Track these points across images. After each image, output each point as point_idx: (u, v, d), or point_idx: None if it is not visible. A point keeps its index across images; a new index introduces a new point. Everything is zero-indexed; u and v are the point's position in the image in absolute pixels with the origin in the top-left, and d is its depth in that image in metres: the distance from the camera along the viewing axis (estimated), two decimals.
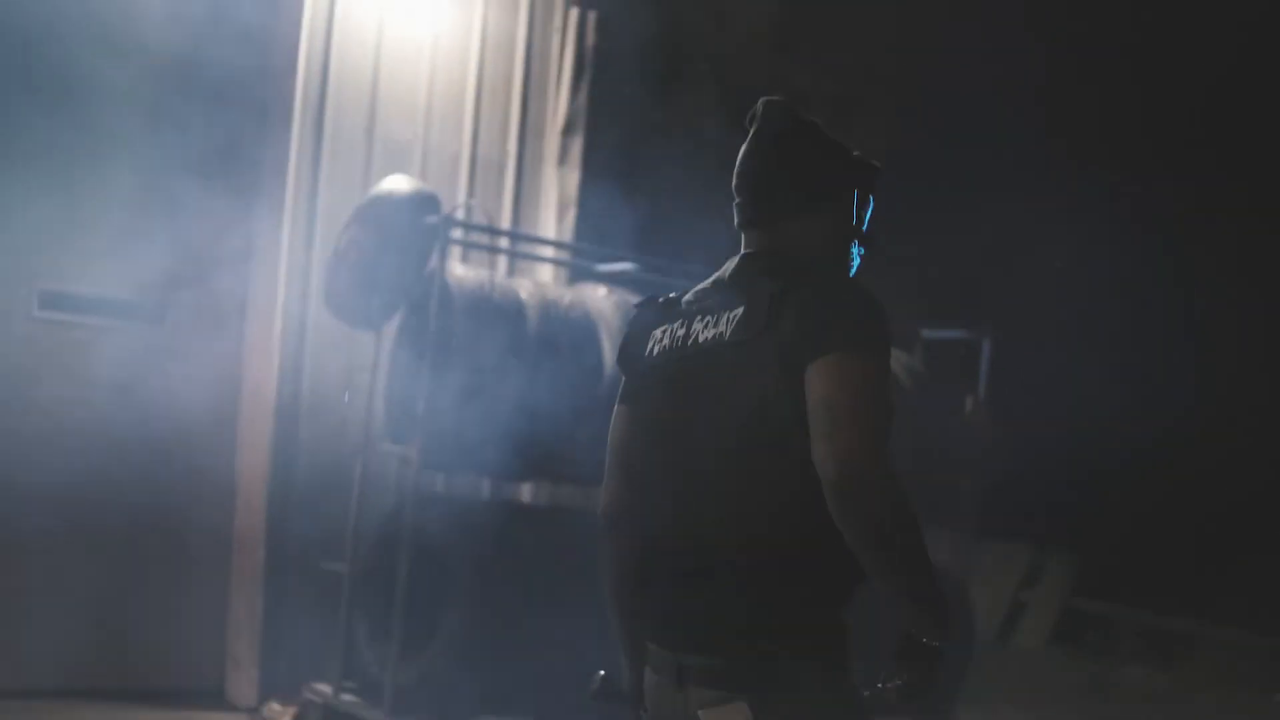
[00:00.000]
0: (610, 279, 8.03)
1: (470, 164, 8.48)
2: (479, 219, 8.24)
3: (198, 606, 8.11)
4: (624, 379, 3.21)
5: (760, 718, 2.83)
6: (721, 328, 2.94)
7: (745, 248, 3.09)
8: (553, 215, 8.62)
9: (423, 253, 7.30)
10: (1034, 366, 11.11)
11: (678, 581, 2.99)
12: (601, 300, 7.71)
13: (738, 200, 3.11)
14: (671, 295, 3.15)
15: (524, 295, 7.54)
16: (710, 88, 9.57)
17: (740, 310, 2.91)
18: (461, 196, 8.33)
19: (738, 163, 3.12)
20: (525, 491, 8.38)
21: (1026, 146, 11.66)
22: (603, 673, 3.26)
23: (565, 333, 7.48)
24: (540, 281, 8.13)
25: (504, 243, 8.44)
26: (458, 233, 7.81)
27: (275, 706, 7.74)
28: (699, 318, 3.01)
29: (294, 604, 7.89)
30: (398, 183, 7.46)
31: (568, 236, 8.61)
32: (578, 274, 8.40)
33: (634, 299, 7.71)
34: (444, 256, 7.28)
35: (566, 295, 7.76)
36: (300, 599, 7.86)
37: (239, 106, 8.18)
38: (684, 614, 2.96)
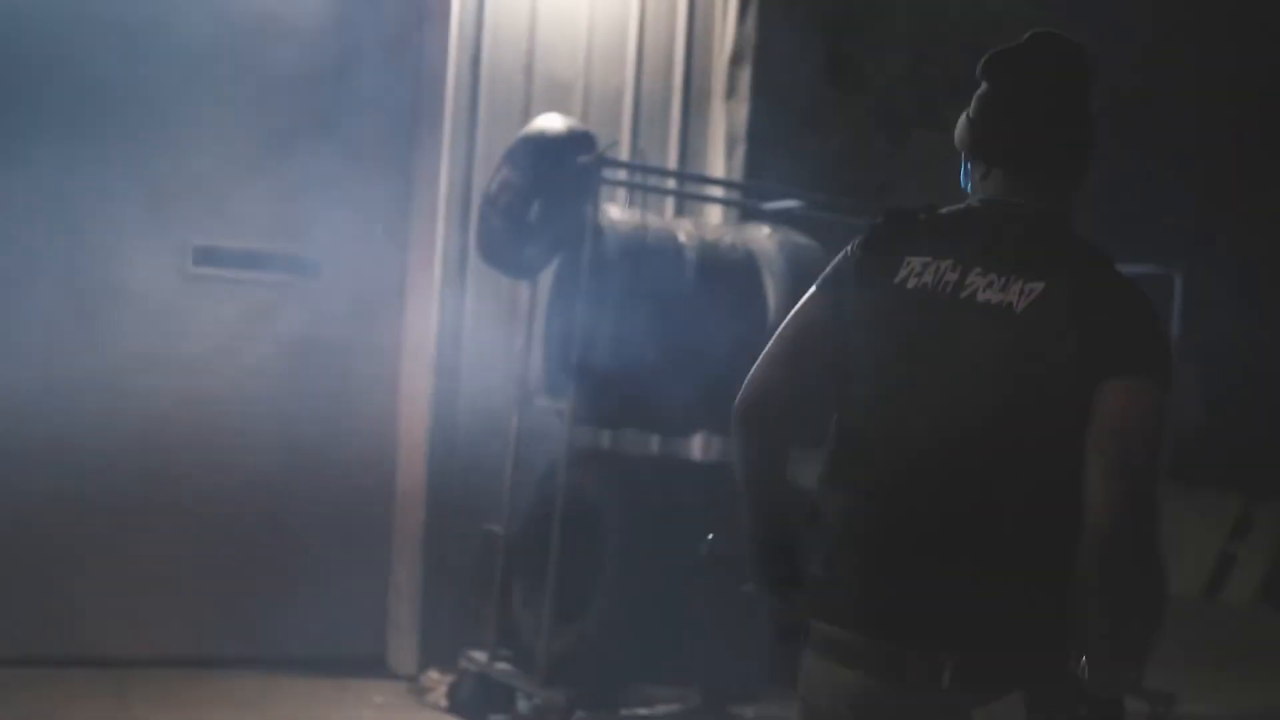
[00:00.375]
0: (774, 217, 7.50)
1: (634, 100, 7.99)
2: (638, 158, 7.77)
3: (359, 570, 7.81)
4: (842, 279, 2.92)
5: (1033, 711, 2.74)
6: (1011, 297, 2.76)
7: (1004, 193, 2.88)
8: (721, 151, 8.10)
9: (577, 195, 6.88)
10: (1231, 303, 10.34)
11: (905, 560, 2.76)
12: (764, 240, 7.19)
13: (1005, 134, 2.87)
14: (923, 217, 2.91)
15: (682, 237, 7.07)
16: (893, 11, 8.92)
17: (1039, 288, 2.74)
18: (626, 134, 7.86)
19: (1008, 93, 2.87)
20: (695, 446, 7.90)
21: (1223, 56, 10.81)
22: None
23: (726, 276, 6.99)
24: (700, 222, 7.63)
25: (670, 183, 7.95)
26: (620, 174, 7.37)
27: (433, 675, 7.41)
28: (978, 270, 2.80)
29: (454, 567, 7.51)
30: (550, 121, 7.04)
31: (737, 173, 8.07)
32: (749, 213, 7.87)
33: (798, 238, 7.27)
34: (596, 198, 6.85)
35: (727, 236, 7.26)
36: (460, 562, 7.49)
37: (392, 49, 7.85)
38: (925, 601, 2.74)
